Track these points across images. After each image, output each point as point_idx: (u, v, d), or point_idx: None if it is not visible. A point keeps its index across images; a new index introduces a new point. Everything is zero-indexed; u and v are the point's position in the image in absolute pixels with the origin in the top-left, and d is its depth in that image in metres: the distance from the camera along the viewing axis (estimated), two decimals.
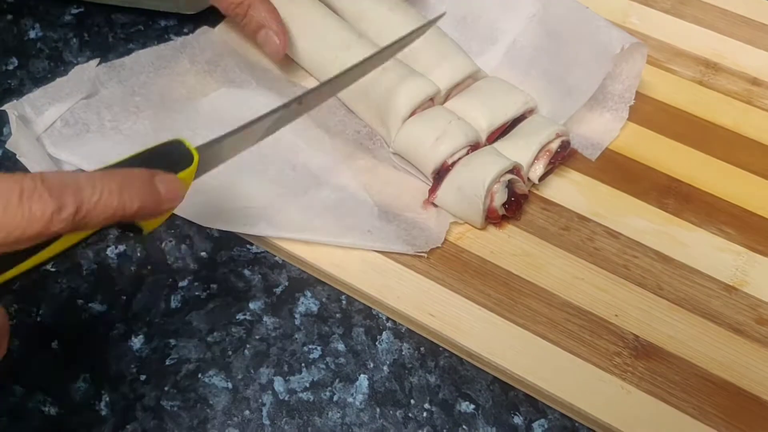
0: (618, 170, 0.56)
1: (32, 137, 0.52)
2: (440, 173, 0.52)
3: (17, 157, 0.52)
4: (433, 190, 0.53)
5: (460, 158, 0.52)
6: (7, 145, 0.52)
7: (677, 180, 0.55)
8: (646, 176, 0.56)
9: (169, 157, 0.41)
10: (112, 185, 0.36)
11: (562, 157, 0.54)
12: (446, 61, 0.56)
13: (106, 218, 0.36)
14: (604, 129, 0.58)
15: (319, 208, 0.52)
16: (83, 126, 0.54)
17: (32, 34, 0.64)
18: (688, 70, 0.62)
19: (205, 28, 0.62)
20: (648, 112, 0.59)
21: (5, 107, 0.53)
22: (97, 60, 0.57)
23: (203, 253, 0.52)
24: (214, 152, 0.43)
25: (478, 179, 0.50)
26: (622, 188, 0.55)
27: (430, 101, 0.55)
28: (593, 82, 0.55)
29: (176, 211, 0.51)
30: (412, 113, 0.54)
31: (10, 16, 0.65)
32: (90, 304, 0.50)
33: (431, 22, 0.56)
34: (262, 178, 0.53)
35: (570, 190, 0.54)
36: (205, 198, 0.52)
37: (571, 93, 0.57)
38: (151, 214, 0.38)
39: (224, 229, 0.52)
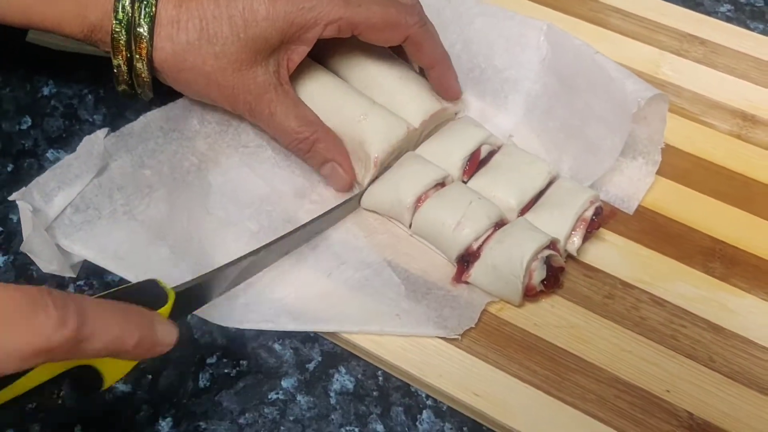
0: (658, 232, 0.54)
1: (43, 231, 0.47)
2: (464, 257, 0.50)
3: (30, 256, 0.47)
4: (458, 274, 0.50)
5: (485, 240, 0.49)
6: (21, 248, 0.47)
7: (721, 242, 0.53)
8: (688, 238, 0.54)
9: (144, 295, 0.40)
10: (115, 312, 0.36)
11: (597, 225, 0.51)
12: (453, 137, 0.55)
13: (104, 346, 0.35)
14: (639, 176, 0.55)
15: (343, 292, 0.49)
16: (95, 212, 0.50)
17: (46, 91, 0.62)
18: (724, 123, 0.60)
19: None
20: (685, 168, 0.57)
21: (14, 197, 0.48)
22: (106, 130, 0.55)
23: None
24: (191, 293, 0.44)
25: (515, 258, 0.48)
26: (665, 251, 0.53)
27: (441, 185, 0.52)
28: (616, 141, 0.53)
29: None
30: (420, 198, 0.51)
31: (22, 71, 0.63)
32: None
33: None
34: (281, 265, 0.50)
35: (611, 255, 0.52)
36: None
37: (593, 151, 0.54)
38: (145, 353, 0.37)
39: (243, 328, 0.48)
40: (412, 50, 0.55)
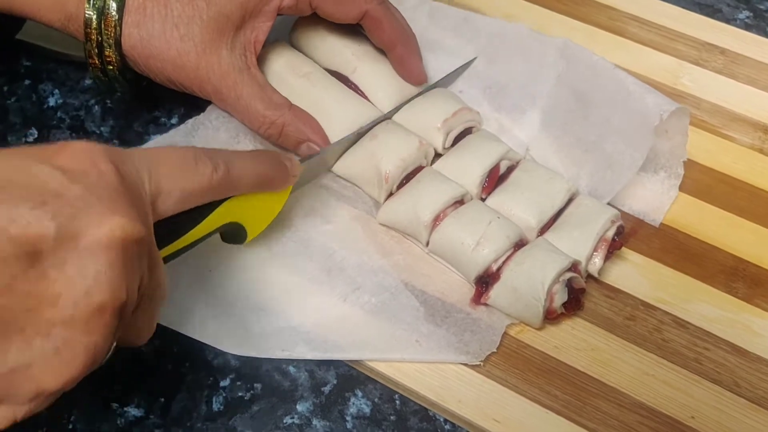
0: (680, 250, 0.53)
1: None
2: (483, 278, 0.49)
3: None
4: (477, 295, 0.49)
5: (505, 261, 0.48)
6: None
7: (744, 260, 0.52)
8: (710, 257, 0.52)
9: None
10: (252, 156, 0.46)
11: (619, 245, 0.50)
12: (472, 152, 0.53)
13: (249, 182, 0.44)
14: (661, 190, 0.55)
15: (360, 317, 0.48)
16: None
17: (52, 102, 0.60)
18: (746, 136, 0.59)
19: None
20: (707, 183, 0.56)
21: None
22: None
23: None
24: (306, 171, 0.50)
25: (536, 280, 0.46)
26: (686, 271, 0.52)
27: (459, 203, 0.51)
28: (636, 156, 0.52)
29: (203, 339, 0.48)
30: (438, 216, 0.50)
31: (28, 82, 0.61)
32: (126, 408, 0.46)
33: (464, 67, 0.58)
34: (296, 291, 0.49)
35: (632, 274, 0.51)
36: (235, 320, 0.48)
37: (611, 166, 0.53)
38: (280, 184, 0.47)
39: (259, 357, 0.47)
40: (371, 27, 0.55)
